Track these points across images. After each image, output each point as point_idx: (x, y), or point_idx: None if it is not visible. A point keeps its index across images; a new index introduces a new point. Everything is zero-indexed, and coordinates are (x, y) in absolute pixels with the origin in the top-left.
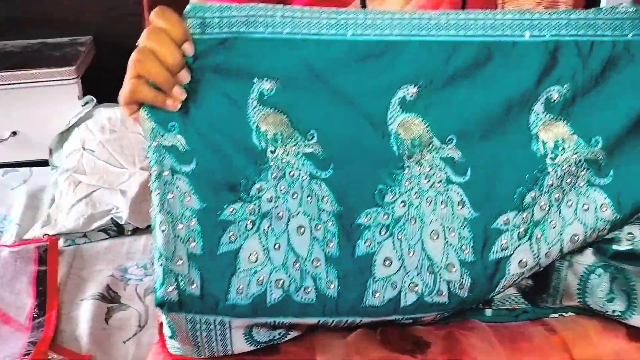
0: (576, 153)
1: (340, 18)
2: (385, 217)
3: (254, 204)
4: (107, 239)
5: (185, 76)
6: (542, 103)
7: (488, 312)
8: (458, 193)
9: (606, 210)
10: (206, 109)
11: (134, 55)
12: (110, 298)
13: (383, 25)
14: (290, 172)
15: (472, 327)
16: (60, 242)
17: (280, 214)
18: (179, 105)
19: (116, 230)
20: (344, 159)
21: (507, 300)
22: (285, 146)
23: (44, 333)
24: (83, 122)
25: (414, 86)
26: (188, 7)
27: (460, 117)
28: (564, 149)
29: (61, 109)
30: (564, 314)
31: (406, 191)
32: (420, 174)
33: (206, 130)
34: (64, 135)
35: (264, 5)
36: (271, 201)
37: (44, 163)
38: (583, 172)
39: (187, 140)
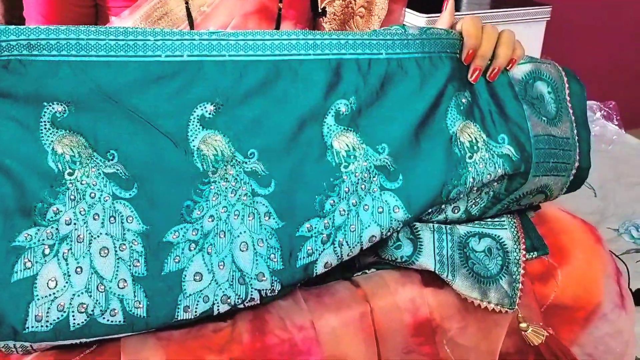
0: (366, 160)
1: (129, 40)
2: (195, 232)
3: (51, 228)
4: None
5: None
6: (332, 116)
7: None
8: (264, 204)
9: (398, 211)
10: None
11: None
12: None
13: (173, 47)
14: (91, 194)
15: None
16: None
17: (81, 237)
18: None
19: None
20: (147, 177)
21: None
22: (85, 168)
23: None
24: None
25: (211, 104)
26: None
27: (259, 132)
28: (355, 157)
29: None
30: (367, 271)
31: (214, 206)
32: (226, 188)
33: None
34: None
35: (46, 27)
36: (70, 224)
37: None
38: (375, 178)
39: None
